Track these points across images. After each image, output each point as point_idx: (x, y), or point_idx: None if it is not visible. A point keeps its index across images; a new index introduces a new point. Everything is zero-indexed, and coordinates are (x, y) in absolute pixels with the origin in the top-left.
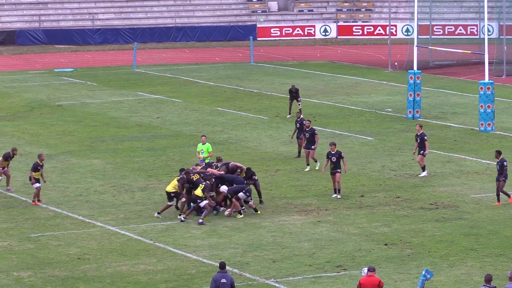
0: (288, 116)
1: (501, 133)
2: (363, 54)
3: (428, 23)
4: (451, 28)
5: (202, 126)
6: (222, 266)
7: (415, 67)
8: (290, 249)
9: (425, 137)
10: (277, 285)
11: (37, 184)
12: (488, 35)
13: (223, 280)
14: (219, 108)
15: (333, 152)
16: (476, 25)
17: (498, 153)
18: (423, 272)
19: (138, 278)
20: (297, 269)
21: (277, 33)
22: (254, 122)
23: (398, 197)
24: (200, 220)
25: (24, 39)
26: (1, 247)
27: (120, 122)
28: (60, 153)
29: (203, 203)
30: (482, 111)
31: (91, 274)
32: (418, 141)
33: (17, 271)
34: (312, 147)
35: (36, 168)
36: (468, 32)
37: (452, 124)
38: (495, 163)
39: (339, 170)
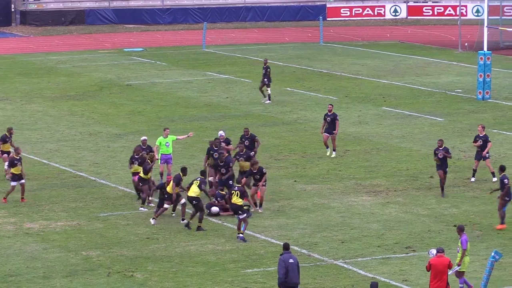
0: (266, 102)
1: None
2: (433, 35)
3: (499, 4)
4: None
5: (271, 107)
6: (286, 247)
7: (485, 48)
8: (359, 230)
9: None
10: (345, 266)
11: (14, 183)
12: None
13: (291, 260)
14: (288, 88)
15: (254, 171)
16: None
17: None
18: (492, 254)
19: (206, 258)
20: (365, 250)
21: (346, 13)
22: (324, 102)
23: (468, 178)
24: (241, 235)
25: (93, 19)
26: (70, 226)
27: (189, 102)
28: (129, 133)
29: (242, 216)
30: None
31: (159, 253)
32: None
33: (85, 251)
34: (334, 132)
35: (13, 162)
36: None
37: None
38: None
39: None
